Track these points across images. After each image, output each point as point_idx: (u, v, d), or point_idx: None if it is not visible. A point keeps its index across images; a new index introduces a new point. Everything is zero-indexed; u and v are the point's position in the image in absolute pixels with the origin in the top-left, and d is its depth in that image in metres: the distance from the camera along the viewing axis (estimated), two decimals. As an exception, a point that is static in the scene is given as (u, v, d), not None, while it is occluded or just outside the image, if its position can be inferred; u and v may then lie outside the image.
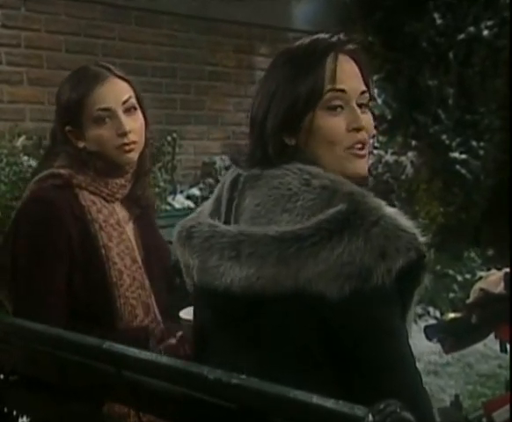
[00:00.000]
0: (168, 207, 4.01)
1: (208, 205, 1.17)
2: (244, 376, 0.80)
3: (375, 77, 5.48)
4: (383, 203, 1.03)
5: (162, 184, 3.95)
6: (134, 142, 1.50)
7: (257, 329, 1.03)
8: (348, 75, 1.09)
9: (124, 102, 1.49)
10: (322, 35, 1.12)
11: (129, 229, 1.55)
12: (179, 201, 4.28)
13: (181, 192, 4.47)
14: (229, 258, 1.03)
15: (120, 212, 1.55)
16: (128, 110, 1.50)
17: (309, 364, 1.01)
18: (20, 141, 3.53)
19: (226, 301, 1.04)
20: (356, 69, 1.11)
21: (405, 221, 1.01)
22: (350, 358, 1.00)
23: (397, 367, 1.00)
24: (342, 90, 1.08)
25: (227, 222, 1.09)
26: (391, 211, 1.02)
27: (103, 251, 1.45)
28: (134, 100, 1.52)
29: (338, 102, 1.08)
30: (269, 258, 0.99)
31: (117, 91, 1.49)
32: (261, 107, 1.09)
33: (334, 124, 1.08)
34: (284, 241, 0.99)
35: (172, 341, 1.43)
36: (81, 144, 1.51)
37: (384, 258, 0.97)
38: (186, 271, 1.13)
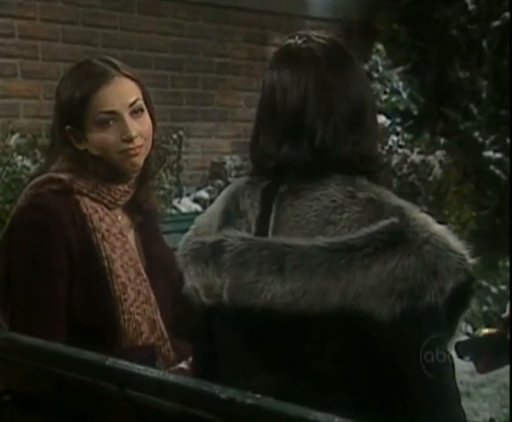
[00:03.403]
0: (174, 211, 4.03)
1: (212, 218, 1.16)
2: (259, 396, 0.81)
3: (400, 69, 5.48)
4: (431, 219, 1.05)
5: (167, 186, 3.97)
6: (140, 147, 1.50)
7: (295, 347, 1.04)
8: None
9: (131, 104, 1.49)
10: None
11: (131, 237, 1.56)
12: (186, 205, 4.30)
13: (188, 194, 4.49)
14: (269, 272, 1.03)
15: (122, 219, 1.55)
16: (135, 112, 1.50)
17: (348, 386, 1.02)
18: (14, 140, 3.56)
19: (264, 319, 1.04)
20: None
21: (454, 241, 1.04)
22: (393, 382, 1.01)
23: (443, 398, 1.02)
24: None
25: (261, 235, 1.09)
26: (440, 228, 1.04)
27: (105, 263, 1.46)
28: (141, 102, 1.52)
29: None
30: (318, 271, 1.00)
31: (124, 93, 1.49)
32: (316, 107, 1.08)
33: None
34: (334, 252, 1.00)
35: (183, 366, 1.43)
36: (82, 146, 1.51)
37: (436, 277, 1.00)
38: (208, 291, 1.12)
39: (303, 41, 1.12)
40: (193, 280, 1.15)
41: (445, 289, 1.00)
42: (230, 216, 1.14)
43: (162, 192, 3.79)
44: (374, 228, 1.01)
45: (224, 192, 1.19)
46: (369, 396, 1.02)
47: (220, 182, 4.55)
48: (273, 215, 1.09)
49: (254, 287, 1.04)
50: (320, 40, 1.12)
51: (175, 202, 4.19)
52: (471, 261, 1.04)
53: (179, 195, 4.33)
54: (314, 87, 1.08)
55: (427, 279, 0.99)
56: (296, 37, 1.13)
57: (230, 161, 4.76)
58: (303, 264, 1.01)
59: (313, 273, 1.00)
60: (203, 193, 4.52)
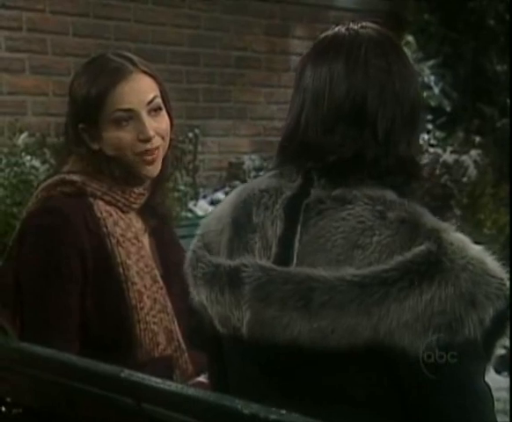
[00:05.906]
0: (189, 215, 4.04)
1: (219, 225, 1.15)
2: (283, 411, 0.81)
3: (431, 62, 5.46)
4: (468, 240, 1.04)
5: (182, 187, 3.99)
6: (157, 148, 1.51)
7: (320, 380, 1.05)
8: None
9: (149, 102, 1.51)
10: None
11: (146, 242, 1.57)
12: (202, 208, 4.32)
13: (204, 196, 4.51)
14: (294, 308, 1.02)
15: (137, 223, 1.57)
16: (154, 111, 1.51)
17: (376, 419, 1.02)
18: (22, 139, 3.60)
19: (288, 354, 1.04)
20: None
21: (493, 264, 1.03)
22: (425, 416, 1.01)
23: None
24: None
25: (282, 262, 1.06)
26: (477, 251, 1.03)
27: (121, 270, 1.47)
28: (159, 99, 1.53)
29: None
30: (348, 308, 0.99)
31: (141, 90, 1.51)
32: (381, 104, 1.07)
33: None
34: (366, 287, 0.99)
35: (202, 379, 1.45)
36: (96, 146, 1.53)
37: (475, 307, 0.99)
38: (224, 321, 1.11)
39: (357, 29, 1.12)
40: (204, 301, 1.15)
41: (485, 320, 0.99)
42: (240, 228, 1.12)
43: (177, 194, 3.80)
44: (408, 255, 0.99)
45: (234, 197, 1.16)
46: None
47: (238, 183, 4.55)
48: (297, 238, 1.07)
49: (278, 323, 1.03)
50: (375, 30, 1.13)
51: (191, 205, 4.21)
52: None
53: (195, 197, 4.34)
54: (374, 75, 1.08)
55: (465, 310, 0.98)
56: (347, 25, 1.14)
57: (249, 161, 4.77)
58: (332, 300, 1.00)
59: (343, 310, 0.99)
60: (220, 195, 4.53)
